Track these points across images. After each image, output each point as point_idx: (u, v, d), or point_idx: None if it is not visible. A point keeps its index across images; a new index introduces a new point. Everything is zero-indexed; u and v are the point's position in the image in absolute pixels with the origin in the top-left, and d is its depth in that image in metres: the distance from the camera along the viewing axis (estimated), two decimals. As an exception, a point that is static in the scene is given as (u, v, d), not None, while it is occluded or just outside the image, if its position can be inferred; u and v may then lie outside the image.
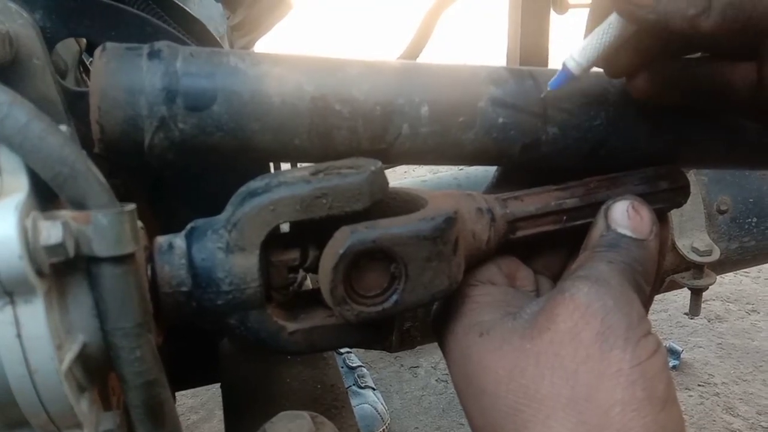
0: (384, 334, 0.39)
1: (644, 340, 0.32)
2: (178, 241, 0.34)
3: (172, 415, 0.33)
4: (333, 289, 0.33)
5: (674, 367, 2.04)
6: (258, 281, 0.34)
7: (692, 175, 1.01)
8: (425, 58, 1.41)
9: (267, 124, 0.36)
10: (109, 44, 0.35)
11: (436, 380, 2.07)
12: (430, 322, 0.42)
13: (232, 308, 0.34)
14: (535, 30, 1.52)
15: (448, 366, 0.38)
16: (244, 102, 0.35)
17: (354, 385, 1.92)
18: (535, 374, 0.32)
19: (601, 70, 0.39)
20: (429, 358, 2.15)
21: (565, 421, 0.31)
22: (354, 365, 2.01)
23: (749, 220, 1.02)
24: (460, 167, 1.06)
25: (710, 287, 1.03)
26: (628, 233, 0.37)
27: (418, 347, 0.96)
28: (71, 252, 0.28)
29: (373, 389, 1.94)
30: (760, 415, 1.84)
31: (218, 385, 0.75)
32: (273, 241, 0.35)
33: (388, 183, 0.36)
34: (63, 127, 0.30)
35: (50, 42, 0.47)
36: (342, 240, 0.32)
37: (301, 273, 0.37)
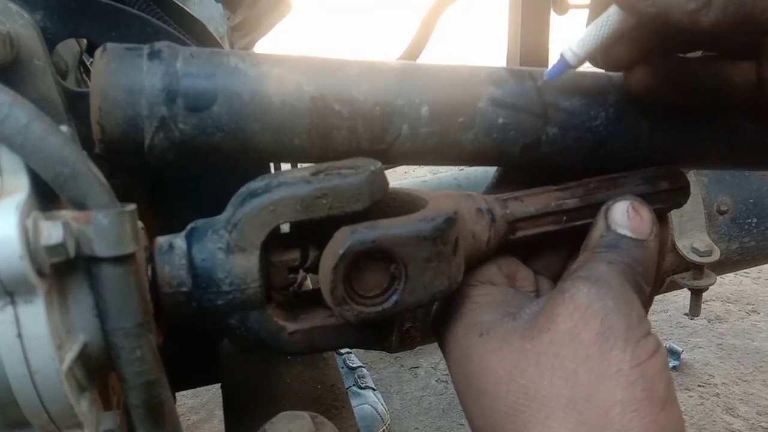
0: (384, 334, 0.39)
1: (644, 341, 0.32)
2: (179, 241, 0.34)
3: (173, 415, 0.33)
4: (333, 289, 0.33)
5: (674, 368, 2.04)
6: (258, 281, 0.34)
7: (692, 176, 1.01)
8: (425, 58, 1.41)
9: (267, 124, 0.36)
10: (109, 45, 0.35)
11: (436, 381, 2.07)
12: (430, 322, 0.42)
13: (232, 308, 0.34)
14: (535, 30, 1.52)
15: (448, 366, 0.38)
16: (245, 102, 0.35)
17: (354, 385, 1.92)
18: (535, 374, 0.32)
19: (601, 70, 0.39)
20: (429, 359, 2.15)
21: (565, 422, 0.31)
22: (354, 366, 2.01)
23: (749, 220, 1.02)
24: (460, 168, 1.06)
25: (710, 288, 1.03)
26: (628, 234, 0.37)
27: (418, 348, 0.96)
28: (72, 252, 0.28)
29: (374, 390, 1.94)
30: (760, 415, 1.84)
31: (218, 385, 0.75)
32: (273, 242, 0.35)
33: (388, 183, 0.36)
34: (64, 128, 0.30)
35: (51, 42, 0.47)
36: (342, 240, 0.32)
37: (302, 273, 0.37)
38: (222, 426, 0.69)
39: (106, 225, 0.28)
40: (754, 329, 2.25)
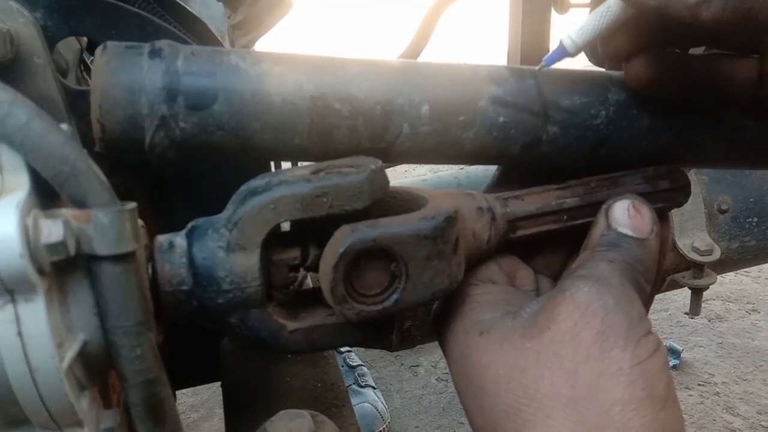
0: (384, 333, 0.39)
1: (644, 340, 0.32)
2: (179, 239, 0.34)
3: (173, 413, 0.33)
4: (333, 287, 0.33)
5: (674, 367, 2.04)
6: (259, 280, 0.34)
7: (693, 175, 1.01)
8: (426, 57, 1.41)
9: (267, 123, 0.36)
10: (110, 43, 0.35)
11: (437, 379, 2.07)
12: (431, 321, 0.42)
13: (232, 307, 0.34)
14: (536, 30, 1.52)
15: (449, 365, 0.38)
16: (245, 101, 0.35)
17: (354, 383, 1.92)
18: (535, 373, 0.32)
19: (601, 69, 0.39)
20: (429, 357, 2.16)
21: (565, 421, 0.31)
22: (354, 364, 2.01)
23: (750, 219, 1.03)
24: (461, 166, 1.06)
25: (711, 287, 1.03)
26: (629, 232, 0.37)
27: (418, 346, 0.96)
28: (72, 250, 0.28)
29: (374, 388, 1.94)
30: (760, 414, 1.84)
31: (219, 383, 0.75)
32: (274, 240, 0.35)
33: (388, 182, 0.36)
34: (64, 126, 0.30)
35: (51, 41, 0.47)
36: (342, 239, 0.32)
37: (302, 272, 0.37)
38: (222, 424, 0.69)
39: (106, 223, 0.28)
40: (755, 328, 2.25)
